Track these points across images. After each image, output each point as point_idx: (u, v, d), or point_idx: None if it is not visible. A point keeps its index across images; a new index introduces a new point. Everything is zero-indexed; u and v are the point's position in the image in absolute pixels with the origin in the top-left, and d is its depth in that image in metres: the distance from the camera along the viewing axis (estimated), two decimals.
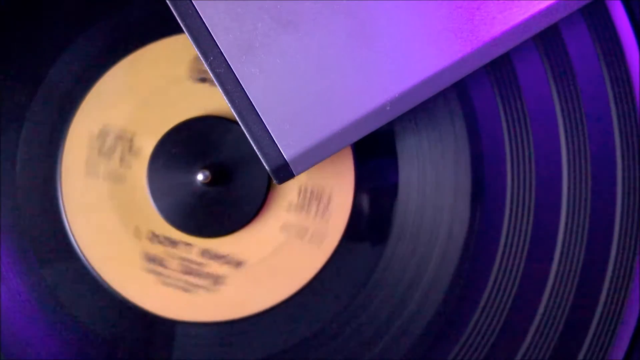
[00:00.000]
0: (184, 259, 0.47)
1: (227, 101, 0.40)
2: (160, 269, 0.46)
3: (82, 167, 0.47)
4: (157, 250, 0.47)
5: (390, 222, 0.46)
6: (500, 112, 0.46)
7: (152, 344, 0.47)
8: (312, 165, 0.41)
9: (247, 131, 0.40)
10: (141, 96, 0.47)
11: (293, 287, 0.47)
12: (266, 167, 0.41)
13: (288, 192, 0.47)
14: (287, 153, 0.40)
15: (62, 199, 0.47)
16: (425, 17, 0.40)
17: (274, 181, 0.41)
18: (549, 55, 0.46)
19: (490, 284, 0.46)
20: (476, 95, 0.46)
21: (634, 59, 0.46)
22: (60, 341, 0.47)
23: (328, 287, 0.46)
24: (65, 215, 0.47)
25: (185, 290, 0.47)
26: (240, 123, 0.40)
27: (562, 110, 0.46)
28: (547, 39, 0.46)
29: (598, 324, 0.46)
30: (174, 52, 0.47)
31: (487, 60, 0.41)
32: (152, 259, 0.47)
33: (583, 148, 0.46)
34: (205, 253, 0.47)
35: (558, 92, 0.46)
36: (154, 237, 0.47)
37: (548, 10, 0.41)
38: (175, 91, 0.47)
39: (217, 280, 0.47)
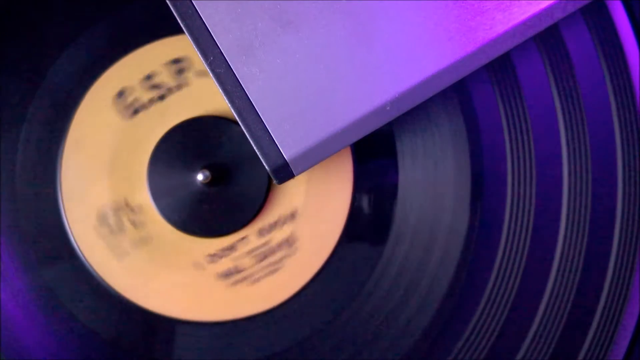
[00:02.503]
0: (250, 251, 0.46)
1: (227, 101, 0.40)
2: (241, 275, 0.46)
3: (82, 167, 0.47)
4: (224, 264, 0.46)
5: (390, 222, 0.46)
6: (500, 112, 0.46)
7: (152, 344, 0.47)
8: (312, 165, 0.41)
9: (247, 131, 0.40)
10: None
11: (293, 287, 0.47)
12: (266, 167, 0.41)
13: (288, 192, 0.47)
14: (287, 153, 0.40)
15: (62, 199, 0.47)
16: (425, 17, 0.40)
17: (274, 181, 0.41)
18: (549, 55, 0.46)
19: (490, 283, 0.46)
20: (476, 95, 0.46)
21: (634, 59, 0.46)
22: (60, 341, 0.47)
23: (328, 287, 0.46)
24: (65, 215, 0.47)
25: (275, 271, 0.46)
26: (240, 123, 0.40)
27: (562, 110, 0.46)
28: (547, 39, 0.46)
29: (598, 324, 0.46)
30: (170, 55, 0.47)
31: (487, 60, 0.41)
32: (227, 275, 0.46)
33: (583, 147, 0.46)
34: (260, 232, 0.46)
35: (558, 92, 0.46)
36: (214, 256, 0.46)
37: (548, 10, 0.41)
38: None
39: (289, 241, 0.46)
